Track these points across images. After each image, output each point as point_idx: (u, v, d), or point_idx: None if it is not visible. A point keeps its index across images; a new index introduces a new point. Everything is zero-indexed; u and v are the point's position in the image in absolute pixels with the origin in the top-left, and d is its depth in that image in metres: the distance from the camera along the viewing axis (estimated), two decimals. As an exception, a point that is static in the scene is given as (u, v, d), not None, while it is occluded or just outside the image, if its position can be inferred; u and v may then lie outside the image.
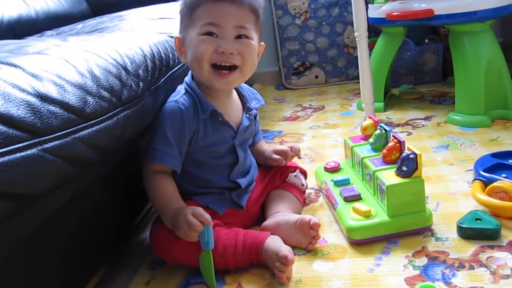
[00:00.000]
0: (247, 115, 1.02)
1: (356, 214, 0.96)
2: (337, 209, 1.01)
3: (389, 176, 0.95)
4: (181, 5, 0.95)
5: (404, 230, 0.94)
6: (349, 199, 1.02)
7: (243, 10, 0.91)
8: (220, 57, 0.90)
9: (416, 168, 0.92)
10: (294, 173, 1.11)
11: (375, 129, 1.12)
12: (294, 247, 0.93)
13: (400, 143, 1.00)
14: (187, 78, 0.99)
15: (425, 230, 0.95)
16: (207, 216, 0.83)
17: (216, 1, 0.89)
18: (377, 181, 0.98)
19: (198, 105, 0.94)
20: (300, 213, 1.06)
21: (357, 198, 1.02)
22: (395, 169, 0.96)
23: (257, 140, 1.15)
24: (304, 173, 1.16)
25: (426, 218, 0.95)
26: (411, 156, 0.92)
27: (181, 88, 0.98)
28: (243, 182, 1.02)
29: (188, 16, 0.92)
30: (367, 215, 0.95)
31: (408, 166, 0.93)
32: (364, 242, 0.93)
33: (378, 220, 0.94)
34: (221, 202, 0.98)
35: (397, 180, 0.93)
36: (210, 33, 0.89)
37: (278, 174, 1.10)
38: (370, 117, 1.18)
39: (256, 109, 1.06)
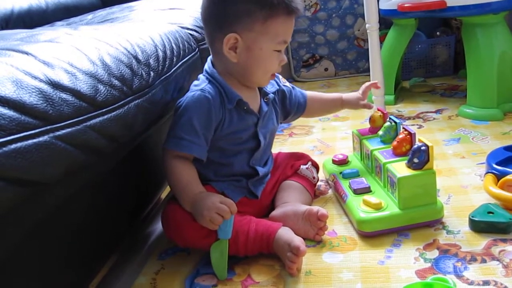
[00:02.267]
0: (265, 100, 1.02)
1: (366, 206, 0.95)
2: (346, 202, 1.01)
3: (400, 168, 0.94)
4: (245, 1, 0.88)
5: (415, 222, 0.93)
6: (359, 192, 1.01)
7: None
8: (279, 69, 0.98)
9: (428, 160, 0.91)
10: (306, 166, 1.11)
11: (384, 122, 1.11)
12: (304, 239, 0.93)
13: (411, 135, 0.99)
14: (207, 68, 0.98)
15: (436, 223, 0.94)
16: (235, 206, 0.85)
17: (289, 15, 0.91)
18: (388, 173, 0.97)
19: (223, 95, 0.94)
20: (309, 205, 1.06)
21: (367, 190, 1.02)
22: (406, 161, 0.95)
23: (304, 98, 1.16)
24: (316, 166, 1.16)
25: (437, 211, 0.94)
26: (423, 148, 0.91)
27: (203, 78, 0.97)
28: (261, 170, 1.02)
29: (261, 21, 0.89)
30: (377, 207, 0.94)
31: (420, 158, 0.92)
32: (374, 234, 0.93)
33: (389, 212, 0.93)
34: (237, 190, 0.98)
35: (408, 172, 0.93)
36: (279, 50, 0.94)
37: (290, 166, 1.10)
38: (378, 109, 1.16)
39: (273, 93, 1.05)
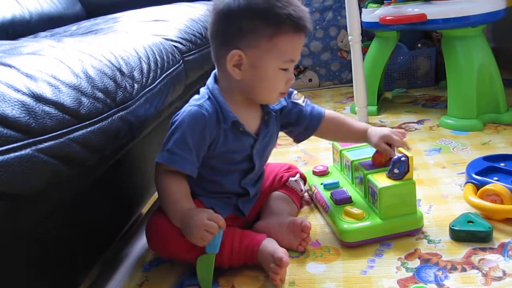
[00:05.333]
0: (265, 119, 0.98)
1: (348, 217, 0.97)
2: (328, 213, 1.02)
3: (380, 179, 0.96)
4: (251, 16, 0.85)
5: (396, 232, 0.94)
6: (340, 202, 1.02)
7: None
8: (287, 88, 0.94)
9: (408, 171, 0.93)
10: (294, 178, 1.11)
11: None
12: (287, 249, 0.94)
13: (390, 146, 1.00)
14: (209, 83, 0.95)
15: (416, 232, 0.95)
16: (223, 220, 0.84)
17: (296, 32, 0.87)
18: (369, 184, 0.98)
19: (220, 113, 0.91)
20: (295, 216, 1.07)
21: (348, 201, 1.03)
22: (386, 172, 0.97)
23: (319, 119, 1.06)
24: (304, 179, 1.16)
25: (418, 220, 0.95)
26: (403, 158, 0.93)
27: (204, 93, 0.94)
28: (252, 190, 1.00)
29: (266, 38, 0.85)
30: (359, 217, 0.95)
31: (400, 168, 0.93)
32: (357, 244, 0.94)
33: (371, 222, 0.94)
34: (226, 206, 0.96)
35: (389, 182, 0.94)
36: (286, 68, 0.90)
37: (278, 179, 1.10)
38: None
39: (275, 111, 1.00)
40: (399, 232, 0.95)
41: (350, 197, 1.03)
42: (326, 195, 1.08)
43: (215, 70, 0.96)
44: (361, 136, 1.06)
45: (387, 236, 0.94)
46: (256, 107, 0.98)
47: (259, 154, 0.98)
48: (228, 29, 0.88)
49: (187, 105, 0.92)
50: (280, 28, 0.85)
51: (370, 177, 0.98)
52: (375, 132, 1.04)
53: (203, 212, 0.86)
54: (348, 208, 0.98)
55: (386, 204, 0.94)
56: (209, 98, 0.92)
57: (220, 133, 0.91)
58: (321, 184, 1.13)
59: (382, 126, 1.63)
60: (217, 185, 0.96)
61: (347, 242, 0.94)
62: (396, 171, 0.94)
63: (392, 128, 1.60)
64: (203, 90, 0.96)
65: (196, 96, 0.95)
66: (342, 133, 1.09)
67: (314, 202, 1.15)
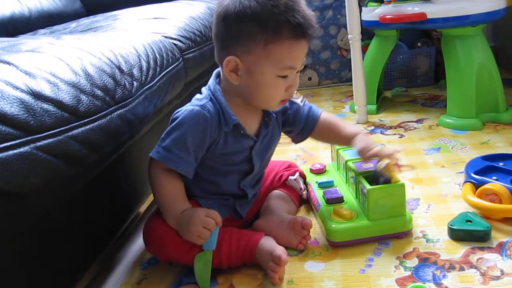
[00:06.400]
0: (265, 120, 0.96)
1: (337, 216, 0.96)
2: (319, 211, 1.02)
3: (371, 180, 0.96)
4: (248, 22, 0.82)
5: (384, 233, 0.94)
6: (331, 202, 1.02)
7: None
8: (288, 95, 0.90)
9: (391, 177, 0.94)
10: (294, 177, 1.11)
11: None
12: (286, 248, 0.94)
13: None
14: (212, 84, 0.93)
15: (405, 235, 0.95)
16: (220, 217, 0.85)
17: (296, 39, 0.83)
18: (360, 185, 0.98)
19: (221, 116, 0.89)
20: (294, 215, 1.07)
21: (339, 200, 1.02)
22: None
23: (314, 121, 1.03)
24: (303, 177, 1.16)
25: (406, 222, 0.95)
26: (382, 166, 0.94)
27: (206, 93, 0.92)
28: (250, 192, 1.00)
29: (262, 45, 0.82)
30: (348, 218, 0.95)
31: (384, 177, 0.94)
32: (343, 244, 0.94)
33: (359, 223, 0.94)
34: (222, 208, 0.95)
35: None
36: (285, 76, 0.87)
37: (278, 178, 1.10)
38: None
39: (276, 113, 0.98)
40: (387, 234, 0.94)
41: (341, 197, 1.03)
42: (319, 193, 1.07)
43: (218, 69, 0.95)
44: (349, 142, 1.02)
45: (374, 238, 0.94)
46: (257, 109, 0.96)
47: (259, 155, 0.97)
48: (225, 33, 0.86)
49: (189, 103, 0.90)
50: (276, 35, 0.82)
51: (361, 178, 0.97)
52: (360, 141, 0.99)
53: (199, 210, 0.86)
54: (338, 207, 0.98)
55: (375, 205, 0.93)
56: (211, 99, 0.90)
57: (221, 136, 0.90)
58: (316, 182, 1.13)
59: (381, 125, 1.63)
60: (215, 185, 0.96)
61: (333, 241, 0.94)
62: (382, 179, 0.94)
63: (391, 126, 1.60)
64: (205, 89, 0.94)
65: (198, 96, 0.93)
66: (333, 137, 1.08)
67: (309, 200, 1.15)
